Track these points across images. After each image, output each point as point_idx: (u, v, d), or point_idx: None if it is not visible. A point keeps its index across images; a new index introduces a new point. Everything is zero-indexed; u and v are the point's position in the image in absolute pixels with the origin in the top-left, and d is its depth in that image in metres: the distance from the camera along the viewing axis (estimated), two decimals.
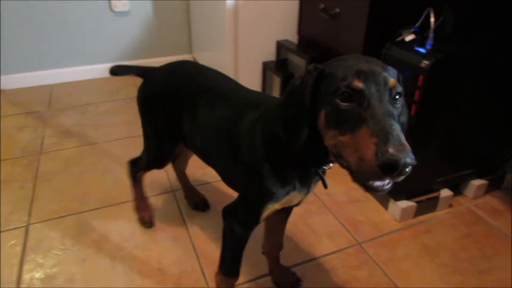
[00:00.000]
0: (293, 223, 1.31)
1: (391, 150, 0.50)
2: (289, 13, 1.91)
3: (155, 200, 1.42)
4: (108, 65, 2.51)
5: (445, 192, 1.37)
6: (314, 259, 1.18)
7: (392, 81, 0.58)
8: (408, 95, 1.18)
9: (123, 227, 1.29)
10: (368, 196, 1.46)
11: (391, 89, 0.57)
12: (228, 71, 1.97)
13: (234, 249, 0.87)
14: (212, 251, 1.20)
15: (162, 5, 2.52)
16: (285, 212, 1.00)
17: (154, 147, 1.11)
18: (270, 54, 1.98)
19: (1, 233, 1.26)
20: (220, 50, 2.01)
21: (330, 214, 1.37)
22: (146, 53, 2.62)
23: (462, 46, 1.20)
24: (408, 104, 1.19)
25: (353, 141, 0.55)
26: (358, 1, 1.46)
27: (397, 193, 1.34)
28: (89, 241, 1.23)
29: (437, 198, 1.36)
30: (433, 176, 1.36)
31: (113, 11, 2.43)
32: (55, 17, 2.32)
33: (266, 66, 1.98)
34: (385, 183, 0.56)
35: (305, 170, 0.75)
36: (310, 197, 1.46)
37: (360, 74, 0.57)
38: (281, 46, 1.93)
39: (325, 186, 0.79)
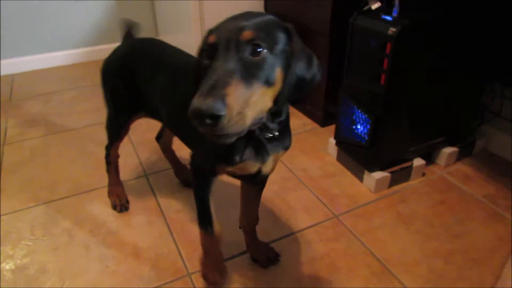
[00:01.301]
0: (269, 200, 1.31)
1: (194, 100, 0.51)
2: None
3: (128, 185, 1.38)
4: (70, 52, 2.44)
5: (418, 161, 1.40)
6: (291, 233, 1.18)
7: (245, 33, 0.58)
8: (376, 64, 1.19)
9: (95, 213, 1.25)
10: (343, 170, 1.47)
11: (246, 42, 0.57)
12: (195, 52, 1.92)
13: (200, 198, 0.89)
14: (189, 232, 1.18)
15: None
16: (259, 185, 0.99)
17: (112, 116, 1.17)
18: None
19: None
20: (186, 32, 1.96)
21: (306, 189, 1.38)
22: (110, 38, 2.52)
23: (428, 11, 1.20)
24: (378, 73, 1.20)
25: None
26: None
27: (371, 164, 1.35)
28: (60, 230, 1.18)
29: (410, 168, 1.38)
30: (406, 146, 1.38)
31: None
32: (13, 3, 2.19)
33: None
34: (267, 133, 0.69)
35: (251, 136, 0.74)
36: (286, 173, 1.47)
37: (217, 30, 0.60)
38: None
39: (267, 152, 0.79)
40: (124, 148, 1.43)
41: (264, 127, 0.73)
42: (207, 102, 0.49)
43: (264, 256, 1.08)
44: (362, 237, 1.17)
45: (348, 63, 1.33)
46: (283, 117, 0.75)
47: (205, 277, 0.98)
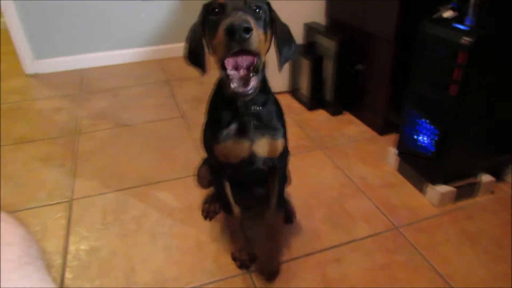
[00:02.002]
0: (327, 206, 1.31)
1: (228, 20, 0.67)
2: None
3: (188, 179, 1.44)
4: (136, 50, 2.58)
5: (487, 178, 1.34)
6: (351, 241, 1.18)
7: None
8: (446, 74, 1.16)
9: (161, 205, 1.32)
10: (403, 181, 1.44)
11: (250, 3, 0.75)
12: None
13: (216, 186, 1.08)
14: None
15: None
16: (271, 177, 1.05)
17: None
18: (297, 37, 1.96)
19: (47, 207, 1.30)
20: None
21: (365, 198, 1.36)
22: (173, 38, 2.63)
23: (504, 21, 1.15)
24: (447, 83, 1.17)
25: (218, 36, 0.72)
26: None
27: (435, 177, 1.31)
28: (129, 217, 1.26)
29: (478, 184, 1.33)
30: (474, 160, 1.33)
31: None
32: (85, 3, 2.35)
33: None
34: (248, 89, 0.74)
35: (236, 111, 0.87)
36: (344, 180, 1.47)
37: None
38: (309, 28, 1.91)
39: (253, 130, 0.89)
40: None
41: (250, 101, 0.85)
42: (239, 20, 0.66)
43: (263, 259, 1.09)
44: (424, 251, 1.14)
45: (414, 72, 1.31)
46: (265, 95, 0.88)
47: (233, 256, 1.10)
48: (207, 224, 1.24)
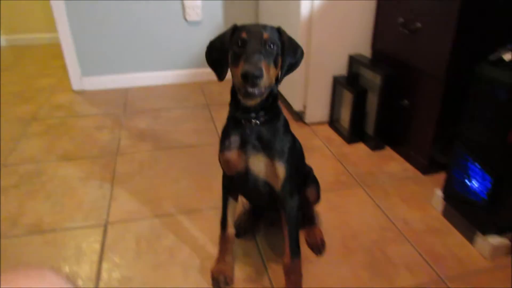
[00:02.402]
0: (367, 249, 1.24)
1: (246, 66, 0.80)
2: (363, 27, 1.85)
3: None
4: (178, 72, 2.63)
5: None
6: None
7: (265, 35, 0.86)
8: (504, 118, 1.08)
9: (195, 235, 1.29)
10: (450, 227, 1.35)
11: (265, 40, 0.86)
12: (297, 83, 1.94)
13: (223, 201, 1.12)
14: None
15: (233, 15, 2.57)
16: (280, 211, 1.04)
17: None
18: (341, 68, 1.93)
19: (82, 229, 1.31)
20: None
21: (407, 243, 1.28)
22: None
23: None
24: (505, 128, 1.09)
25: (238, 68, 0.83)
26: (444, 16, 1.37)
27: (487, 227, 1.22)
28: (162, 247, 1.24)
29: None
30: None
31: (186, 20, 2.51)
32: (133, 25, 2.44)
33: (336, 80, 1.92)
34: (255, 90, 0.82)
35: (239, 121, 0.94)
36: (384, 222, 1.39)
37: (247, 31, 0.87)
38: (353, 60, 1.87)
39: (250, 144, 0.95)
40: None
41: (252, 112, 0.93)
42: (253, 69, 0.79)
43: None
44: None
45: (468, 113, 1.23)
46: (270, 101, 0.94)
47: (212, 273, 1.11)
48: (239, 260, 1.20)
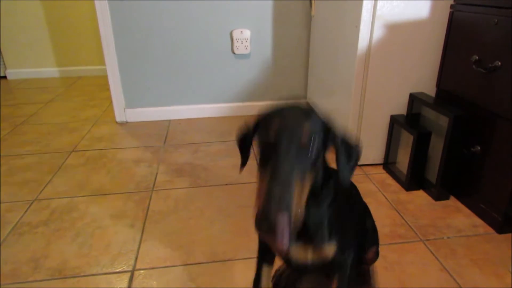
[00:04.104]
0: None
1: (263, 204, 0.58)
2: (427, 63, 1.68)
3: None
4: (221, 105, 2.56)
5: None
6: None
7: (304, 138, 0.64)
8: None
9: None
10: None
11: (304, 145, 0.65)
12: (351, 121, 1.78)
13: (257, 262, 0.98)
14: None
15: (282, 49, 2.49)
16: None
17: None
18: (399, 107, 1.75)
19: (108, 275, 1.19)
20: (344, 98, 1.84)
21: None
22: (259, 96, 2.58)
23: None
24: None
25: (264, 177, 0.62)
26: None
27: None
28: None
29: None
30: None
31: (234, 53, 2.46)
32: (179, 58, 2.42)
33: (394, 120, 1.74)
34: (283, 242, 0.58)
35: None
36: (453, 286, 1.17)
37: (277, 130, 0.65)
38: (415, 99, 1.68)
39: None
40: None
41: None
42: (275, 215, 0.56)
43: None
44: None
45: None
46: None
47: None
48: None
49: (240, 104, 2.58)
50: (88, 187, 1.71)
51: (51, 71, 3.70)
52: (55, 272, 1.21)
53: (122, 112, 2.49)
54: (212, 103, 2.58)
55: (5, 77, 3.65)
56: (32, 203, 1.58)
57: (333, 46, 1.99)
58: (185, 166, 1.89)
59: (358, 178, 1.76)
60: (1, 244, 1.31)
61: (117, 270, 1.21)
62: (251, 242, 1.33)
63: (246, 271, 1.20)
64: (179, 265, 1.23)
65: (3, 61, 3.59)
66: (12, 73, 3.65)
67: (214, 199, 1.61)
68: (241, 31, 2.40)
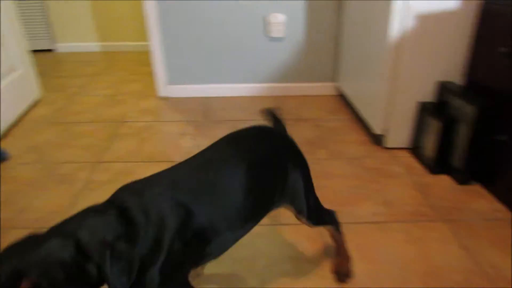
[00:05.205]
0: None
1: None
2: (455, 53, 1.77)
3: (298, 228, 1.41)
4: (255, 85, 2.71)
5: None
6: None
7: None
8: None
9: (270, 249, 1.30)
10: None
11: None
12: (378, 106, 1.90)
13: None
14: None
15: (313, 33, 2.58)
16: None
17: None
18: (427, 94, 1.85)
19: None
20: (374, 82, 1.95)
21: None
22: (291, 77, 2.70)
23: None
24: None
25: None
26: None
27: None
28: (237, 258, 1.27)
29: None
30: None
31: (269, 36, 2.58)
32: (219, 39, 2.56)
33: (423, 107, 1.84)
34: None
35: None
36: (471, 264, 1.25)
37: None
38: (443, 87, 1.78)
39: None
40: None
41: None
42: None
43: None
44: None
45: None
46: None
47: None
48: None
49: (273, 84, 2.72)
50: (141, 154, 1.91)
51: (93, 45, 3.92)
52: None
53: (164, 88, 2.68)
54: (247, 83, 2.72)
55: (52, 50, 3.88)
56: (97, 165, 1.80)
57: (365, 32, 2.08)
58: None
59: (385, 160, 1.89)
60: (78, 196, 1.54)
61: None
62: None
63: (280, 235, 1.37)
64: None
65: (53, 35, 3.82)
66: (60, 47, 3.89)
67: None
68: (276, 16, 2.51)
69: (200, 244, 0.78)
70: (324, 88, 2.72)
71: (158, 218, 0.70)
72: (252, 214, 0.89)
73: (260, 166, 0.91)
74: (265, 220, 1.39)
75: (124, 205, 0.70)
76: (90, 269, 0.58)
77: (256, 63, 2.66)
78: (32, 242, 0.58)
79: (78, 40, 3.89)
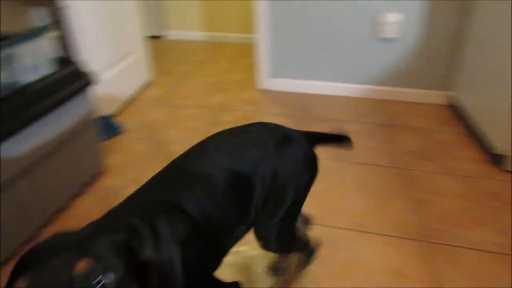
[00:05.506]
0: None
1: None
2: None
3: (395, 241, 1.31)
4: (358, 86, 2.60)
5: None
6: None
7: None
8: None
9: (365, 259, 1.24)
10: None
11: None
12: (505, 123, 1.68)
13: None
14: None
15: (430, 36, 2.39)
16: None
17: None
18: None
19: None
20: (504, 96, 1.73)
21: None
22: (397, 81, 2.54)
23: None
24: None
25: None
26: None
27: None
28: (337, 259, 1.23)
29: None
30: None
31: (380, 37, 2.44)
32: (327, 36, 2.50)
33: None
34: None
35: None
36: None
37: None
38: None
39: None
40: None
41: None
42: None
43: None
44: None
45: None
46: None
47: None
48: None
49: (376, 87, 2.59)
50: None
51: (199, 35, 4.12)
52: None
53: (265, 80, 2.71)
54: (348, 83, 2.63)
55: (162, 36, 4.17)
56: None
57: (500, 37, 1.86)
58: None
59: (506, 185, 1.67)
60: None
61: None
62: (385, 221, 1.41)
63: (380, 246, 1.30)
64: (322, 225, 1.38)
65: (165, 23, 4.11)
66: (171, 34, 4.16)
67: (351, 175, 1.71)
68: (390, 15, 2.37)
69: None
70: (432, 96, 2.51)
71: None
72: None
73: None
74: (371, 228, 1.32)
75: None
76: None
77: (361, 63, 2.56)
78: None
79: (186, 29, 4.12)
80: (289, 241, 0.98)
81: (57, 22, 1.79)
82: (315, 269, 1.19)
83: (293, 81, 2.69)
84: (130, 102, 2.47)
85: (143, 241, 0.55)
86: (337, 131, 1.04)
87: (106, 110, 2.11)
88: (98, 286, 0.47)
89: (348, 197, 1.55)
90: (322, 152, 1.85)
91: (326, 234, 1.34)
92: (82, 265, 0.48)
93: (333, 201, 1.52)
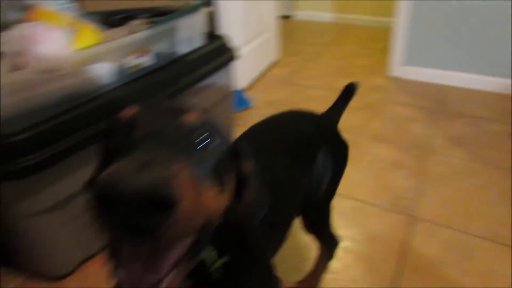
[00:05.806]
0: None
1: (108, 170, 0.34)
2: None
3: None
4: (507, 82, 2.26)
5: None
6: None
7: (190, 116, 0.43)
8: None
9: (507, 273, 1.11)
10: None
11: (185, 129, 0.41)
12: None
13: None
14: None
15: None
16: None
17: None
18: None
19: (389, 212, 1.35)
20: None
21: None
22: None
23: None
24: None
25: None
26: None
27: None
28: (470, 270, 1.12)
29: None
30: None
31: None
32: (473, 22, 2.22)
33: None
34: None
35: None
36: None
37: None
38: None
39: None
40: None
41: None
42: (143, 177, 0.30)
43: None
44: None
45: None
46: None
47: None
48: None
49: None
50: (367, 130, 1.89)
51: (327, 16, 4.04)
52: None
53: (398, 67, 2.54)
54: (494, 76, 2.31)
55: (290, 16, 4.21)
56: None
57: None
58: (465, 138, 1.81)
59: None
60: None
61: (397, 210, 1.36)
62: None
63: None
64: (457, 230, 1.27)
65: (295, 3, 4.13)
66: (299, 14, 4.18)
67: (493, 179, 1.52)
68: None
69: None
70: None
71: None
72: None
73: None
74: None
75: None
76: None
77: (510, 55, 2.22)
78: None
79: (315, 9, 4.08)
80: (328, 222, 1.02)
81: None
82: (448, 273, 1.11)
83: (428, 70, 2.47)
84: (258, 79, 2.57)
85: (250, 159, 0.52)
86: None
87: (238, 84, 2.23)
88: (203, 144, 0.42)
89: (487, 204, 1.39)
90: (459, 152, 1.69)
91: (459, 240, 1.23)
92: (194, 115, 0.43)
93: (469, 206, 1.38)
